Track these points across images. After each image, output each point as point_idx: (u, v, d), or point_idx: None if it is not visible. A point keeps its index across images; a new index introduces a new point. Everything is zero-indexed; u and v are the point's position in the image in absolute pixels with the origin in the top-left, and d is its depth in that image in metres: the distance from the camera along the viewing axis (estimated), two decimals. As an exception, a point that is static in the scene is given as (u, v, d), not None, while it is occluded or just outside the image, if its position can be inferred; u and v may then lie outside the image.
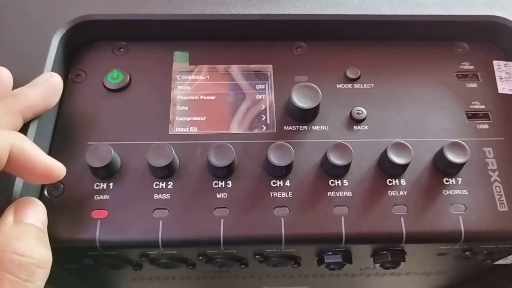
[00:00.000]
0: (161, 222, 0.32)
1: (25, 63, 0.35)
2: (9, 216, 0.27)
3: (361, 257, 0.36)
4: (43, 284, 0.27)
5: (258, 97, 0.37)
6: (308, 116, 0.36)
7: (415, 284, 0.49)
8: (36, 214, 0.28)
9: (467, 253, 0.36)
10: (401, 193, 0.33)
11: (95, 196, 0.33)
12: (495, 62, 0.39)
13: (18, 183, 0.30)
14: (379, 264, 0.36)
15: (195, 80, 0.38)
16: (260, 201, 0.33)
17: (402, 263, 0.35)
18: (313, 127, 0.36)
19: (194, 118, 0.36)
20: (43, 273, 0.27)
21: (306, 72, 0.38)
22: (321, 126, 0.36)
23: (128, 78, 0.37)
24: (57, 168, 0.29)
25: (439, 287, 0.49)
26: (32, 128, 0.32)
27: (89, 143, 0.35)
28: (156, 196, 0.33)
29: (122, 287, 0.46)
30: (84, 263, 0.35)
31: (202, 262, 0.36)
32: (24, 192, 0.31)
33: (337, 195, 0.33)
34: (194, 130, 0.35)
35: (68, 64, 0.38)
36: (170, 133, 0.35)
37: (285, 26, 0.38)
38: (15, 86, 0.33)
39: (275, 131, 0.36)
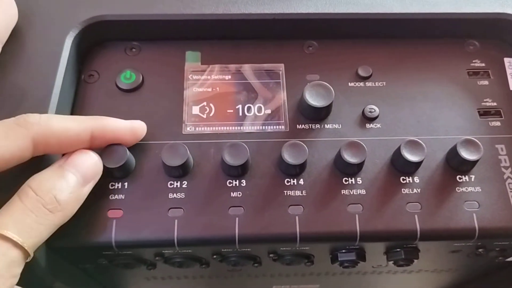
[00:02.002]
0: (176, 221, 0.32)
1: (38, 64, 0.35)
2: (61, 160, 0.30)
3: (374, 255, 0.36)
4: (50, 226, 0.28)
5: (270, 96, 0.37)
6: (321, 114, 0.36)
7: (426, 282, 0.49)
8: (82, 168, 0.30)
9: (480, 250, 0.36)
10: (415, 190, 0.34)
11: (110, 196, 0.33)
12: (506, 60, 0.39)
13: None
14: (392, 261, 0.36)
15: (207, 80, 0.38)
16: (275, 200, 0.33)
17: (415, 260, 0.35)
18: (325, 125, 0.36)
19: (206, 118, 0.36)
20: (52, 217, 0.28)
21: (317, 70, 0.38)
22: (334, 125, 0.36)
23: (141, 78, 0.37)
24: (139, 126, 0.33)
25: (449, 285, 0.49)
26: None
27: (103, 143, 0.35)
28: (171, 196, 0.33)
29: (134, 287, 0.46)
30: (98, 263, 0.35)
31: (216, 261, 0.36)
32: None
33: (351, 193, 0.33)
34: (207, 129, 0.36)
35: (81, 65, 0.38)
36: (183, 133, 0.35)
37: (296, 25, 0.38)
38: (27, 88, 0.34)
39: (288, 130, 0.36)
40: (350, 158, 0.33)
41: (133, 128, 0.33)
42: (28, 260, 0.27)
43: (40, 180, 0.28)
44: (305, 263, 0.37)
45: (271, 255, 0.36)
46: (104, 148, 0.32)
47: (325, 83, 0.35)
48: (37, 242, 0.27)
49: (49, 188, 0.28)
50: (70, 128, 0.29)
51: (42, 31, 0.36)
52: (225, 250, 0.34)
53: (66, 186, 0.28)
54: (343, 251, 0.35)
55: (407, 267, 0.37)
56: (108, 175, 0.33)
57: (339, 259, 0.35)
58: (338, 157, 0.33)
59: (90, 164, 0.30)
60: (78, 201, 0.30)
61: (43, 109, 0.33)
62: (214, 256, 0.35)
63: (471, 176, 0.34)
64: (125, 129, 0.32)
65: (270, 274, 0.44)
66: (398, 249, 0.35)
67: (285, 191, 0.33)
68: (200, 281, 0.45)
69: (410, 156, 0.33)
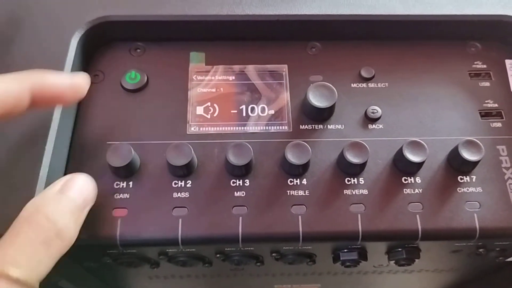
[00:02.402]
0: (180, 220, 0.32)
1: (44, 64, 0.35)
2: (57, 184, 0.29)
3: (376, 254, 0.37)
4: (56, 256, 0.26)
5: (274, 96, 0.38)
6: (324, 115, 0.36)
7: (426, 281, 0.49)
8: (81, 191, 0.29)
9: (481, 250, 0.36)
10: (417, 191, 0.34)
11: (115, 195, 0.33)
12: (507, 61, 0.39)
13: (41, 181, 0.31)
14: (394, 261, 0.36)
15: (211, 80, 0.38)
16: (278, 199, 0.33)
17: (416, 260, 0.35)
18: (328, 126, 0.36)
19: (211, 118, 0.36)
20: (60, 246, 0.27)
21: (321, 71, 0.38)
22: (337, 125, 0.36)
23: (146, 78, 0.37)
24: (81, 82, 0.31)
25: (450, 284, 0.50)
26: (53, 128, 0.33)
27: (108, 142, 0.35)
28: (175, 195, 0.33)
29: (137, 285, 0.46)
30: (103, 261, 0.36)
31: (219, 260, 0.36)
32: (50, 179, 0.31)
33: (354, 193, 0.34)
34: (211, 129, 0.36)
35: (86, 65, 0.38)
36: (187, 133, 0.36)
37: (300, 26, 0.39)
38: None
39: (291, 130, 0.36)
40: (352, 158, 0.33)
41: (73, 84, 0.30)
42: None
43: (47, 208, 0.27)
44: (307, 262, 0.37)
45: (273, 254, 0.36)
46: (109, 147, 0.33)
47: (328, 84, 0.35)
48: (43, 275, 0.26)
49: (57, 217, 0.27)
50: (9, 88, 0.27)
51: (48, 32, 0.37)
52: (228, 249, 0.35)
53: (72, 212, 0.28)
54: (345, 250, 0.35)
55: (408, 266, 0.37)
56: (113, 174, 0.34)
57: (341, 258, 0.36)
58: (341, 158, 0.34)
59: (90, 188, 0.30)
60: (80, 225, 0.29)
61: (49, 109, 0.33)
62: (217, 255, 0.36)
63: (472, 176, 0.34)
64: (64, 85, 0.30)
65: (272, 273, 0.44)
66: (399, 249, 0.35)
67: (288, 191, 0.34)
68: (203, 280, 0.45)
69: (412, 157, 0.33)
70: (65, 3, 0.38)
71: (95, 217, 0.32)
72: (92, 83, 0.37)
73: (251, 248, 0.35)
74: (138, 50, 0.39)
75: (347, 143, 0.33)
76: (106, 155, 0.33)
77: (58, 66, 0.35)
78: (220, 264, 0.38)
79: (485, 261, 0.40)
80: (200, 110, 0.37)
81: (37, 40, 0.36)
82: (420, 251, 0.35)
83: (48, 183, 0.31)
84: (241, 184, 0.34)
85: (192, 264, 0.37)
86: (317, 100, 0.35)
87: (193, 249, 0.34)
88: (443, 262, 0.42)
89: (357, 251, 0.35)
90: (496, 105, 0.38)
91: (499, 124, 0.37)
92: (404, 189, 0.34)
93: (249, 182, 0.34)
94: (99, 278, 0.41)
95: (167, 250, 0.34)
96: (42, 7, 0.38)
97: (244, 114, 0.37)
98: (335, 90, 0.35)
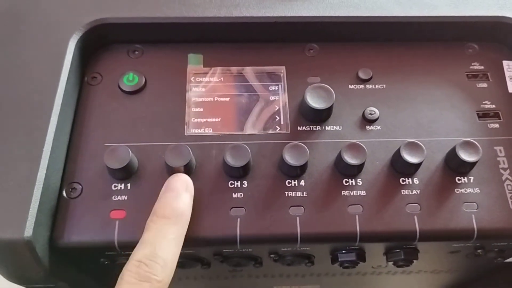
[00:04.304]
0: (178, 221, 0.32)
1: (42, 66, 0.35)
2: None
3: (374, 255, 0.37)
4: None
5: (272, 98, 0.38)
6: (321, 116, 0.36)
7: (425, 282, 0.49)
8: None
9: (479, 251, 0.36)
10: (414, 191, 0.34)
11: (113, 197, 0.33)
12: (505, 62, 0.39)
13: (39, 184, 0.31)
14: (392, 262, 0.36)
15: (209, 82, 0.38)
16: (276, 201, 0.33)
17: (414, 261, 0.36)
18: (326, 127, 0.36)
19: (209, 119, 0.36)
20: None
21: (318, 73, 0.38)
22: (335, 127, 0.36)
23: (144, 80, 0.37)
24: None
25: (449, 285, 0.50)
26: (51, 130, 0.33)
27: (106, 144, 0.35)
28: (173, 196, 0.33)
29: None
30: (101, 263, 0.36)
31: (217, 261, 0.36)
32: (44, 193, 0.31)
33: (351, 194, 0.34)
34: (209, 131, 0.36)
35: (84, 67, 0.38)
36: (186, 134, 0.36)
37: (297, 28, 0.39)
38: (31, 90, 0.34)
39: (289, 132, 0.36)
40: (350, 159, 0.33)
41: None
42: None
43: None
44: (306, 263, 0.37)
45: (272, 255, 0.36)
46: (107, 149, 0.33)
47: (326, 85, 0.35)
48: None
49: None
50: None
51: (46, 34, 0.37)
52: (227, 250, 0.35)
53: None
54: (343, 251, 0.35)
55: (406, 267, 0.37)
56: (111, 176, 0.34)
57: (339, 259, 0.35)
58: (339, 159, 0.34)
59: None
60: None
61: (46, 111, 0.33)
62: (216, 257, 0.36)
63: (470, 177, 0.35)
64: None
65: (270, 275, 0.44)
66: (397, 250, 0.35)
67: (286, 192, 0.34)
68: (202, 282, 0.45)
69: (410, 158, 0.33)
70: (63, 5, 0.38)
71: (93, 219, 0.33)
72: (90, 85, 0.38)
73: (249, 250, 0.35)
74: (136, 52, 0.39)
75: (344, 144, 0.33)
76: (104, 157, 0.33)
77: (55, 68, 0.35)
78: (219, 266, 0.38)
79: (483, 262, 0.40)
80: (198, 111, 0.37)
81: (35, 42, 0.36)
82: (418, 252, 0.35)
83: (46, 185, 0.31)
84: (239, 186, 0.34)
85: (191, 265, 0.37)
86: (315, 101, 0.35)
87: (191, 251, 0.34)
88: (441, 263, 0.42)
89: (355, 252, 0.35)
90: (493, 106, 0.38)
91: (496, 125, 0.37)
92: (402, 190, 0.34)
93: (247, 183, 0.34)
94: (97, 280, 0.41)
95: (165, 251, 0.34)
96: (40, 9, 0.38)
97: (242, 116, 0.37)
98: (333, 92, 0.35)
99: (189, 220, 0.31)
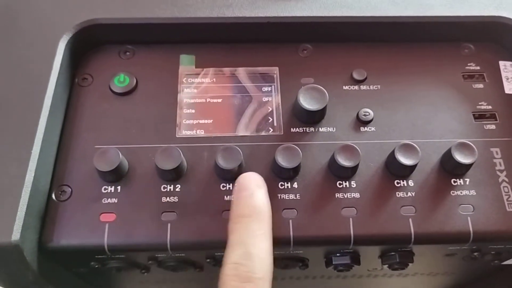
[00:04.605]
0: (169, 225, 0.32)
1: (31, 67, 0.35)
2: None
3: (369, 259, 0.36)
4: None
5: (265, 99, 0.37)
6: (315, 118, 0.36)
7: (422, 285, 0.49)
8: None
9: (475, 253, 0.36)
10: (409, 194, 0.33)
11: (103, 200, 0.33)
12: (501, 63, 0.39)
13: (27, 187, 0.30)
14: (387, 265, 0.35)
15: (201, 83, 0.38)
16: (268, 204, 0.33)
17: (410, 264, 0.35)
18: (320, 129, 0.36)
19: (201, 121, 0.36)
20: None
21: (312, 74, 0.38)
22: (328, 128, 0.36)
23: (135, 81, 0.37)
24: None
25: (446, 288, 0.49)
26: (40, 132, 0.32)
27: (96, 146, 0.35)
28: (164, 199, 0.33)
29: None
30: (91, 267, 0.35)
31: (210, 265, 0.36)
32: (32, 196, 0.31)
33: (345, 196, 0.33)
34: (201, 132, 0.36)
35: (75, 68, 0.38)
36: (177, 136, 0.35)
37: (291, 28, 0.38)
38: (20, 91, 0.34)
39: (282, 133, 0.36)
40: (344, 161, 0.33)
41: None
42: None
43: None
44: (300, 266, 0.37)
45: (264, 258, 0.35)
46: (96, 151, 0.32)
47: (319, 86, 0.35)
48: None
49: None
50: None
51: (36, 35, 0.36)
52: (219, 253, 0.34)
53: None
54: (338, 254, 0.35)
55: (402, 270, 0.37)
56: (101, 179, 0.33)
57: (333, 262, 0.35)
58: (332, 161, 0.33)
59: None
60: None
61: (35, 113, 0.33)
62: (208, 260, 0.35)
63: (465, 179, 0.34)
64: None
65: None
66: (393, 253, 0.35)
67: (279, 195, 0.33)
68: (195, 285, 0.45)
69: (404, 160, 0.33)
70: (53, 6, 0.38)
71: (83, 222, 0.32)
72: (80, 86, 0.37)
73: (242, 253, 0.34)
74: (128, 53, 0.39)
75: (338, 146, 0.33)
76: (93, 159, 0.32)
77: (45, 69, 0.35)
78: (212, 269, 0.37)
79: (480, 264, 0.40)
80: (189, 113, 0.36)
81: (25, 43, 0.36)
82: (413, 255, 0.35)
83: (34, 188, 0.31)
84: (231, 188, 0.33)
85: (183, 269, 0.36)
86: (308, 102, 0.35)
87: (182, 254, 0.34)
88: (437, 266, 0.41)
89: (349, 255, 0.35)
90: (489, 107, 0.37)
91: (493, 126, 0.36)
92: (397, 193, 0.33)
93: (239, 186, 0.33)
94: (90, 284, 0.41)
95: (156, 255, 0.34)
96: (30, 10, 0.38)
97: (234, 117, 0.36)
98: (326, 93, 0.35)
99: (271, 214, 0.30)
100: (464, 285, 0.48)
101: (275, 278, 0.43)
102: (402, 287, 0.49)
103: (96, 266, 0.35)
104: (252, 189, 0.30)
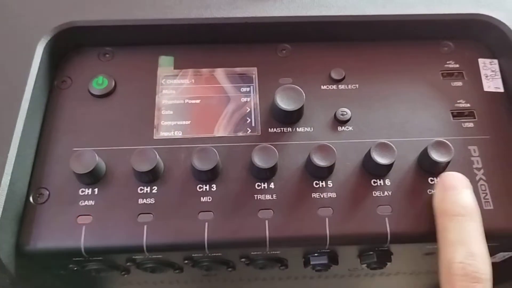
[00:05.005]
0: (145, 226, 0.32)
1: (9, 71, 0.35)
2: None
3: (347, 258, 0.36)
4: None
5: (243, 100, 0.37)
6: (292, 118, 0.36)
7: (407, 284, 0.48)
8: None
9: (455, 252, 0.35)
10: (386, 193, 0.33)
11: (80, 202, 0.33)
12: (480, 60, 0.39)
13: (3, 190, 0.31)
14: (365, 264, 0.35)
15: (180, 84, 0.38)
16: (245, 204, 0.33)
17: (388, 263, 0.35)
18: (297, 129, 0.36)
19: (179, 122, 0.36)
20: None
21: (290, 74, 0.38)
22: (306, 128, 0.36)
23: (113, 83, 0.37)
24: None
25: (431, 286, 0.49)
26: (17, 135, 0.32)
27: (74, 149, 0.35)
28: (140, 201, 0.33)
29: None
30: (69, 269, 0.35)
31: (188, 266, 0.36)
32: (9, 199, 0.31)
33: (322, 196, 0.33)
34: (178, 134, 0.36)
35: (54, 71, 0.38)
36: (154, 138, 0.35)
37: (269, 28, 0.38)
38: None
39: (260, 134, 0.36)
40: (319, 161, 0.33)
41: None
42: None
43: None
44: (279, 267, 0.37)
45: (243, 259, 0.35)
46: (73, 154, 0.32)
47: (295, 86, 0.35)
48: None
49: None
50: None
51: (14, 38, 0.37)
52: (196, 255, 0.34)
53: None
54: (315, 254, 0.35)
55: (382, 270, 0.37)
56: (78, 181, 0.33)
57: (311, 262, 0.35)
58: (308, 161, 0.33)
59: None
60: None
61: (12, 117, 0.33)
62: (186, 261, 0.35)
63: (443, 178, 0.34)
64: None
65: (247, 279, 0.43)
66: (370, 252, 0.35)
67: (256, 195, 0.33)
68: (177, 286, 0.45)
69: (380, 159, 0.33)
70: (31, 9, 0.38)
71: (60, 225, 0.32)
72: (59, 89, 0.37)
73: (219, 254, 0.34)
74: (107, 55, 0.39)
75: (314, 146, 0.33)
76: (70, 161, 0.32)
77: (22, 73, 0.35)
78: (191, 270, 0.37)
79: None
80: (167, 114, 0.36)
81: (2, 46, 0.36)
82: (391, 254, 0.35)
83: (11, 191, 0.31)
84: (207, 189, 0.33)
85: (162, 270, 0.36)
86: (284, 103, 0.35)
87: (160, 256, 0.34)
88: (418, 265, 0.41)
89: (327, 255, 0.35)
90: (468, 105, 0.37)
91: (471, 124, 0.36)
92: (373, 192, 0.33)
93: (216, 187, 0.33)
94: (70, 286, 0.41)
95: (133, 256, 0.34)
96: (7, 13, 0.38)
97: (212, 118, 0.36)
98: (303, 92, 0.35)
99: (480, 213, 0.31)
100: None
101: (256, 279, 0.43)
102: (387, 287, 0.48)
103: (75, 268, 0.35)
104: (460, 188, 0.31)
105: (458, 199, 0.31)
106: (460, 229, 0.30)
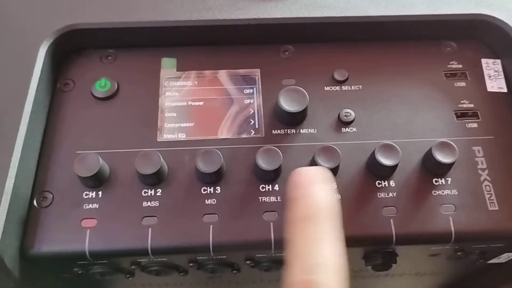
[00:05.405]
0: (150, 229, 0.32)
1: (12, 73, 0.35)
2: None
3: (352, 260, 0.36)
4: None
5: (246, 101, 0.37)
6: (296, 119, 0.36)
7: (411, 285, 0.48)
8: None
9: (459, 253, 0.36)
10: (391, 194, 0.33)
11: (84, 205, 0.33)
12: (483, 60, 0.39)
13: (7, 193, 0.30)
14: (370, 266, 0.35)
15: (183, 86, 0.38)
16: (249, 206, 0.33)
17: (393, 264, 0.35)
18: (301, 130, 0.36)
19: (182, 124, 0.36)
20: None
21: (293, 75, 0.38)
22: (309, 129, 0.36)
23: (116, 86, 0.37)
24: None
25: (435, 287, 0.49)
26: (20, 139, 0.32)
27: (77, 152, 0.35)
28: (145, 204, 0.33)
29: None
30: (74, 272, 0.35)
31: (193, 269, 0.36)
32: (13, 203, 0.31)
33: (326, 198, 0.33)
34: (182, 136, 0.35)
35: (56, 74, 0.38)
36: (158, 140, 0.35)
37: (271, 30, 0.38)
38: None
39: (264, 136, 0.36)
40: (324, 163, 0.32)
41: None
42: None
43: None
44: (285, 269, 0.37)
45: (248, 262, 0.35)
46: (76, 157, 0.32)
47: (299, 88, 0.35)
48: None
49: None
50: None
51: (16, 41, 0.36)
52: (201, 257, 0.34)
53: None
54: (321, 256, 0.35)
55: (387, 271, 0.37)
56: (82, 184, 0.33)
57: (316, 264, 0.35)
58: (312, 163, 0.33)
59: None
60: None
61: (15, 120, 0.33)
62: (191, 264, 0.35)
63: (447, 179, 0.34)
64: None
65: (252, 280, 0.43)
66: (376, 254, 0.35)
67: (260, 197, 0.33)
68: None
69: (385, 160, 0.33)
70: (33, 11, 0.38)
71: (64, 228, 0.32)
72: (62, 92, 0.37)
73: (224, 257, 0.34)
74: (109, 58, 0.39)
75: (318, 147, 0.33)
76: (74, 165, 0.32)
77: (26, 75, 0.35)
78: (196, 273, 0.37)
79: (466, 264, 0.40)
80: (171, 116, 0.36)
81: (4, 49, 0.36)
82: (397, 255, 0.35)
83: (15, 194, 0.31)
84: (212, 192, 0.33)
85: (167, 273, 0.36)
86: (288, 104, 0.35)
87: (165, 259, 0.34)
88: (423, 266, 0.41)
89: (332, 257, 0.35)
90: (472, 105, 0.37)
91: (475, 125, 0.36)
92: (378, 193, 0.33)
93: (220, 189, 0.33)
94: (74, 289, 0.41)
95: (138, 260, 0.34)
96: (9, 16, 0.38)
97: (216, 120, 0.36)
98: (307, 94, 0.34)
99: (335, 211, 0.25)
100: (453, 285, 0.48)
101: (261, 281, 0.43)
102: None
103: (80, 271, 0.35)
104: (309, 186, 0.26)
105: (306, 200, 0.25)
106: (302, 236, 0.24)
